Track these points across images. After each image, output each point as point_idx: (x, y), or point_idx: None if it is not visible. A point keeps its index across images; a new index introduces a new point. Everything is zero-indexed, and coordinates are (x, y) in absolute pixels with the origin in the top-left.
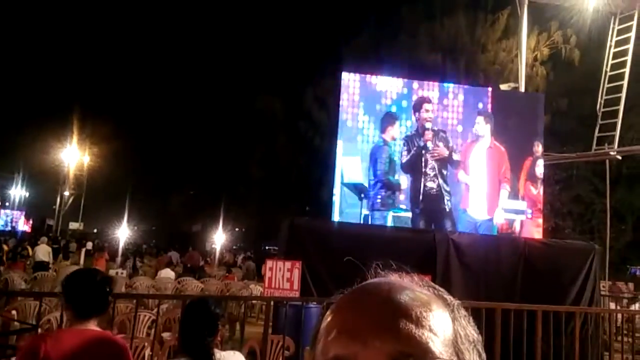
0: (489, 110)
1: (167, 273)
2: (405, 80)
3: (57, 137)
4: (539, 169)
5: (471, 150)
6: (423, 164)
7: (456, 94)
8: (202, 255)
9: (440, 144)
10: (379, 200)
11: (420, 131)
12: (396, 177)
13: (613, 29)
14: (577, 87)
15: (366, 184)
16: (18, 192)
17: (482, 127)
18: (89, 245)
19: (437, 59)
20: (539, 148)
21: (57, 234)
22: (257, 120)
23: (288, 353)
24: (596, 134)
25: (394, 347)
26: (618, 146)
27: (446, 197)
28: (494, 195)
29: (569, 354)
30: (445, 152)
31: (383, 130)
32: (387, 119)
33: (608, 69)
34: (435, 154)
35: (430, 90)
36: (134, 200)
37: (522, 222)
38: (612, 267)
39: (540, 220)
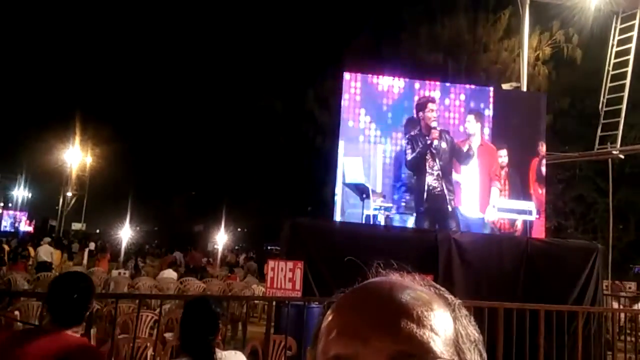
0: (491, 110)
1: (169, 273)
2: (407, 80)
3: (59, 139)
4: (544, 169)
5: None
6: (427, 164)
7: (458, 93)
8: (204, 255)
9: (443, 144)
10: (403, 204)
11: (424, 131)
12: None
13: (615, 27)
14: (579, 86)
15: (367, 185)
16: (21, 193)
17: (473, 125)
18: (92, 245)
19: (439, 59)
20: (542, 148)
21: (60, 235)
22: (258, 121)
23: (290, 353)
24: (598, 133)
25: (395, 347)
26: (620, 145)
27: (449, 197)
28: (485, 193)
29: (571, 354)
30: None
31: (407, 133)
32: (410, 124)
33: (610, 68)
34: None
35: (432, 90)
36: (136, 201)
37: (530, 223)
38: (615, 267)
39: (543, 220)
